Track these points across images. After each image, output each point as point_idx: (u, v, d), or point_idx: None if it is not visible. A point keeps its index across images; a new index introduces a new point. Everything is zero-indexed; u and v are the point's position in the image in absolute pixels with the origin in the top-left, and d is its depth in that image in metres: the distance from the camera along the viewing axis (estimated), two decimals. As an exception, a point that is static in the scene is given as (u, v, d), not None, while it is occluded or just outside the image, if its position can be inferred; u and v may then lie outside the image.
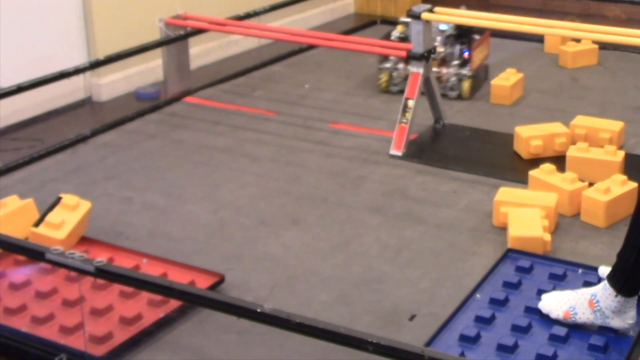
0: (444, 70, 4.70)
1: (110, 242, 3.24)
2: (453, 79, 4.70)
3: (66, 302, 2.85)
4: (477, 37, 4.82)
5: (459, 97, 4.69)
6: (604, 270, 2.87)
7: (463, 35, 4.74)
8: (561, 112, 4.47)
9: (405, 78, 4.56)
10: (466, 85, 4.70)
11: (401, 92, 4.44)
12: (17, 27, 4.41)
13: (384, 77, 4.80)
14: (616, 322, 2.65)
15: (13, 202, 3.25)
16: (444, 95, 4.55)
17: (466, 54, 4.70)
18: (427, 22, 4.07)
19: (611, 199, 3.37)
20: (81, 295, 2.84)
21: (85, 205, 3.26)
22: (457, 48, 4.72)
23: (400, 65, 4.74)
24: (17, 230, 3.14)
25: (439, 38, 4.66)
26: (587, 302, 2.67)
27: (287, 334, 2.37)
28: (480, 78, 4.89)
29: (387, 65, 4.78)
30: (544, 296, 2.80)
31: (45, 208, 3.25)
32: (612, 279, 2.62)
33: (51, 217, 3.16)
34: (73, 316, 2.76)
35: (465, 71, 4.69)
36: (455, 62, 4.69)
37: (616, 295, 2.61)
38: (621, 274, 2.60)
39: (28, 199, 3.30)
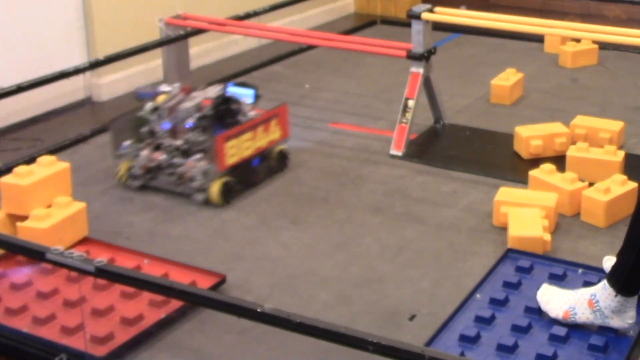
0: (190, 163, 3.54)
1: (110, 242, 3.25)
2: (199, 177, 3.53)
3: (67, 302, 2.85)
4: (251, 114, 3.68)
5: (208, 203, 3.54)
6: (609, 264, 2.88)
7: (226, 115, 3.61)
8: (561, 112, 4.47)
9: (149, 170, 3.61)
10: (215, 188, 3.50)
11: (144, 187, 3.65)
12: (17, 27, 4.41)
13: (122, 167, 3.67)
14: (616, 322, 2.65)
15: (48, 163, 3.29)
16: (186, 196, 3.59)
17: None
18: (427, 22, 4.08)
19: (611, 199, 3.37)
20: (82, 295, 2.84)
21: (79, 205, 3.25)
22: (213, 134, 3.53)
23: (144, 152, 3.62)
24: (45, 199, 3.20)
25: (184, 124, 3.56)
26: (586, 302, 2.67)
27: (287, 334, 2.37)
28: (259, 172, 3.74)
29: (126, 151, 3.66)
30: (544, 287, 2.80)
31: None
32: (612, 278, 2.62)
33: (36, 210, 3.16)
34: (74, 316, 2.76)
35: (213, 169, 3.51)
36: (198, 156, 3.53)
37: (616, 295, 2.61)
38: (621, 273, 2.60)
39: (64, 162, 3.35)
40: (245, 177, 3.64)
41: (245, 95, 3.71)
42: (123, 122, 3.70)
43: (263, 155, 3.72)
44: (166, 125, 3.56)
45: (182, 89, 3.67)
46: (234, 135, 3.54)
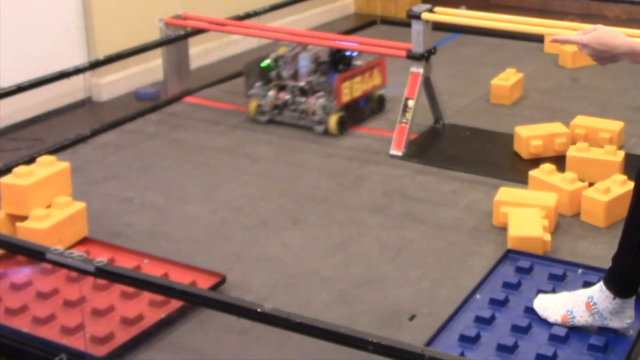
0: (311, 100, 4.27)
1: (110, 242, 3.25)
2: (320, 112, 4.25)
3: (67, 302, 2.85)
4: (358, 64, 4.40)
5: (326, 133, 4.24)
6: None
7: (340, 62, 4.34)
8: (561, 112, 4.47)
9: (275, 107, 4.36)
10: (333, 120, 4.24)
11: (270, 122, 4.36)
12: (17, 27, 4.41)
13: (252, 105, 4.41)
14: (615, 323, 2.65)
15: (48, 163, 3.29)
16: (309, 129, 4.28)
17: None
18: (427, 22, 4.08)
19: (611, 199, 3.37)
20: (82, 295, 2.84)
21: (79, 205, 3.25)
22: (330, 77, 4.26)
23: (271, 93, 4.35)
24: (46, 199, 3.20)
25: (305, 69, 4.29)
26: (584, 304, 2.66)
27: (287, 334, 2.37)
28: (364, 111, 4.45)
29: (256, 92, 4.41)
30: (540, 297, 2.80)
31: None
32: (609, 282, 2.61)
33: (36, 211, 3.16)
34: (74, 316, 2.76)
35: (332, 104, 4.25)
36: (321, 93, 4.25)
37: (614, 298, 2.60)
38: (618, 276, 2.59)
39: (64, 162, 3.35)
40: (354, 115, 4.36)
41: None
42: (254, 67, 4.43)
43: (367, 97, 4.44)
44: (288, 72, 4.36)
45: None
46: (349, 77, 4.29)
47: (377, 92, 4.51)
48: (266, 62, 4.38)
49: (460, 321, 2.75)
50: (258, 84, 4.40)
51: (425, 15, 4.06)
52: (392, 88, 4.57)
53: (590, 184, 3.49)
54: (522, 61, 5.25)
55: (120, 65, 4.66)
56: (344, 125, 4.26)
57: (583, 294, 2.69)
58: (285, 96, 4.33)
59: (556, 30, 4.10)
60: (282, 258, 3.21)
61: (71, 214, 3.19)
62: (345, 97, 4.27)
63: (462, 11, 4.41)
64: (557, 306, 2.72)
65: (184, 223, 3.45)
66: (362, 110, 4.43)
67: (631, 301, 2.64)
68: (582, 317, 2.67)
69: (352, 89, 4.31)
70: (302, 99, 4.29)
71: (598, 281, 2.71)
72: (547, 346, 2.62)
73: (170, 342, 2.73)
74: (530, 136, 3.94)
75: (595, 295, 2.64)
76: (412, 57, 4.11)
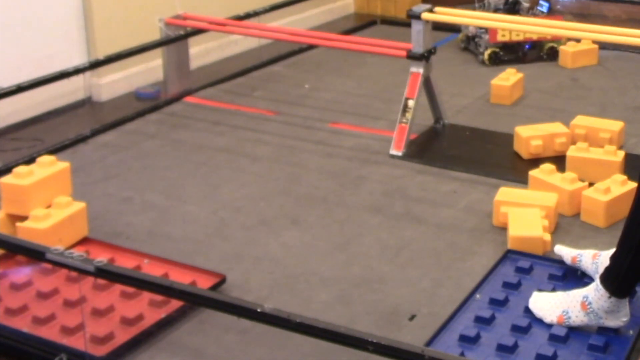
0: (482, 36, 5.26)
1: (110, 242, 3.25)
2: (482, 45, 5.26)
3: (67, 302, 2.85)
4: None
5: (483, 63, 5.22)
6: (559, 249, 3.01)
7: (509, 11, 5.15)
8: (561, 112, 4.47)
9: (467, 37, 5.42)
10: (486, 54, 5.20)
11: (465, 49, 5.49)
12: (17, 27, 4.41)
13: (461, 36, 5.50)
14: (610, 322, 2.65)
15: (48, 163, 3.28)
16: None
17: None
18: (427, 22, 4.08)
19: (611, 199, 3.37)
20: (82, 295, 2.84)
21: (79, 205, 3.25)
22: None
23: (471, 27, 5.31)
24: (46, 199, 3.19)
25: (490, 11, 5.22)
26: (579, 304, 2.66)
27: (287, 334, 2.37)
28: (528, 55, 5.23)
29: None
30: (535, 295, 2.80)
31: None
32: (606, 281, 2.61)
33: (36, 211, 3.16)
34: (74, 316, 2.77)
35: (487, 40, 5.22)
36: (483, 30, 5.22)
37: (609, 297, 2.60)
38: (615, 276, 2.59)
39: (64, 162, 3.36)
40: (516, 54, 5.24)
41: (543, 5, 5.48)
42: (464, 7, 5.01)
43: (535, 44, 5.24)
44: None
45: None
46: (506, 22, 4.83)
47: (548, 43, 5.23)
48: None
49: (460, 321, 2.75)
50: None
51: (425, 15, 4.06)
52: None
53: (590, 184, 3.49)
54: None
55: (120, 65, 4.66)
56: (496, 60, 5.18)
57: (578, 293, 2.69)
58: (475, 30, 5.34)
59: (556, 31, 4.12)
60: (282, 258, 3.21)
61: (71, 214, 3.19)
62: (502, 38, 5.14)
63: (462, 11, 4.41)
64: (552, 307, 2.72)
65: (184, 223, 3.45)
66: (526, 53, 5.23)
67: (626, 300, 2.64)
68: (577, 317, 2.67)
69: (512, 33, 5.10)
70: (483, 34, 5.28)
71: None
72: (547, 346, 2.62)
73: (170, 342, 2.74)
74: (530, 136, 3.94)
75: (590, 295, 2.64)
76: (412, 57, 4.11)
